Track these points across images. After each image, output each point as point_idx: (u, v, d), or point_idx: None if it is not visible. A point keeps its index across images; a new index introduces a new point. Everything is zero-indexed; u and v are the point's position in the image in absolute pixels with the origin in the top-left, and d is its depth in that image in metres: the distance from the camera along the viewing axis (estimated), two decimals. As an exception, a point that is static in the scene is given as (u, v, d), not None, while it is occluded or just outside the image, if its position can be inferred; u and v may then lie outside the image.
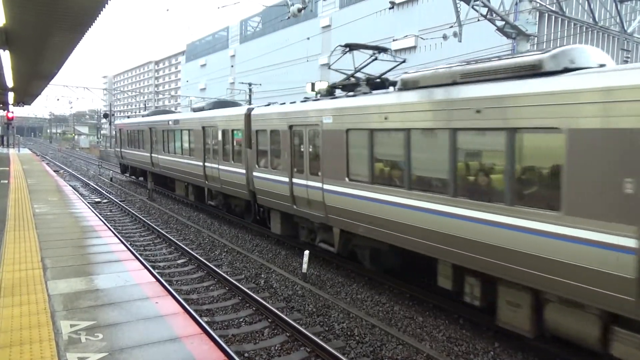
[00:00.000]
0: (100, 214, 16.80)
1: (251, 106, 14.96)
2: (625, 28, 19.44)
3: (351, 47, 11.66)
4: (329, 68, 12.13)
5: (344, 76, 11.65)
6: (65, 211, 11.51)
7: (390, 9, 17.52)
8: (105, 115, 67.17)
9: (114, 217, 18.37)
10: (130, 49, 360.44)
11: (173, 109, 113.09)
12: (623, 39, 20.43)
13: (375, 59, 11.54)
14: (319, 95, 11.90)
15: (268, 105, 13.93)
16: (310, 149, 11.16)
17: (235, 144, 15.23)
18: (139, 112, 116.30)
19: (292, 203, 11.99)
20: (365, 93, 10.18)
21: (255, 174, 13.80)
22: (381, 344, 7.61)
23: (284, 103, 12.80)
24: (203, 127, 17.36)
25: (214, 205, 18.22)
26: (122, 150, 30.74)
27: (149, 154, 24.31)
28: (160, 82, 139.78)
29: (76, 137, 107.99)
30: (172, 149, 20.89)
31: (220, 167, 16.12)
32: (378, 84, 10.82)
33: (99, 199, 22.69)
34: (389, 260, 10.21)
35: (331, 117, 10.28)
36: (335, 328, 8.23)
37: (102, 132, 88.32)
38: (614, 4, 19.08)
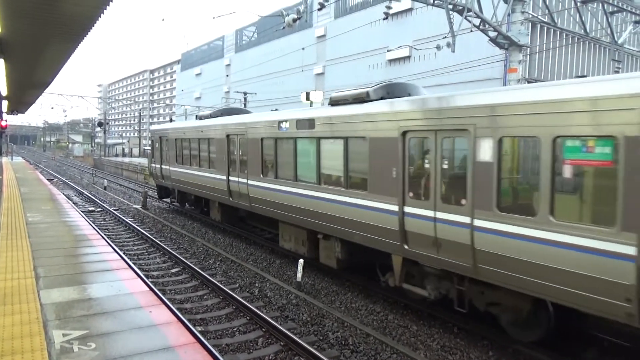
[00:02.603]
0: (93, 223, 16.73)
1: None
2: (616, 39, 19.74)
3: None
4: None
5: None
6: (59, 220, 11.46)
7: (384, 19, 17.68)
8: (100, 124, 67.07)
9: (107, 226, 18.27)
10: (125, 58, 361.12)
11: (167, 118, 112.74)
12: (614, 50, 20.73)
13: None
14: None
15: None
16: None
17: (569, 173, 6.21)
18: (134, 120, 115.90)
19: None
20: None
21: None
22: (375, 353, 7.60)
23: None
24: (440, 132, 7.91)
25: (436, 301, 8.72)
26: (164, 167, 21.05)
27: (224, 178, 15.24)
28: (155, 91, 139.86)
29: (70, 145, 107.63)
30: (289, 174, 11.88)
31: (504, 227, 6.80)
32: None
33: (92, 208, 22.57)
34: None
35: None
36: (330, 337, 8.21)
37: (96, 140, 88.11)
38: (604, 16, 19.39)
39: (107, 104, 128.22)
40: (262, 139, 13.08)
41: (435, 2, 15.21)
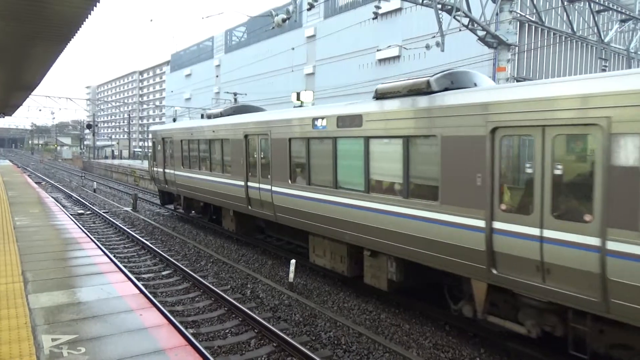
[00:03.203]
0: (83, 226, 16.60)
1: None
2: (603, 38, 19.96)
3: None
4: None
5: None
6: (47, 223, 11.33)
7: (373, 19, 17.72)
8: (89, 126, 66.53)
9: (97, 229, 18.11)
10: (114, 59, 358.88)
11: (158, 119, 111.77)
12: (600, 48, 20.95)
13: None
14: None
15: None
16: None
17: None
18: (124, 122, 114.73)
19: None
20: None
21: None
22: (368, 352, 7.61)
23: None
24: (551, 127, 6.35)
25: None
26: (168, 171, 19.41)
27: (242, 184, 13.54)
28: (144, 93, 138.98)
29: (58, 148, 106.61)
30: (327, 180, 10.25)
31: None
32: None
33: (81, 211, 22.37)
34: None
35: None
36: (322, 337, 8.21)
37: (85, 142, 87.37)
38: (591, 15, 19.60)
39: (95, 105, 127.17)
40: (290, 140, 11.37)
41: (424, 1, 15.26)
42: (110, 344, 4.73)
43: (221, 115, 16.01)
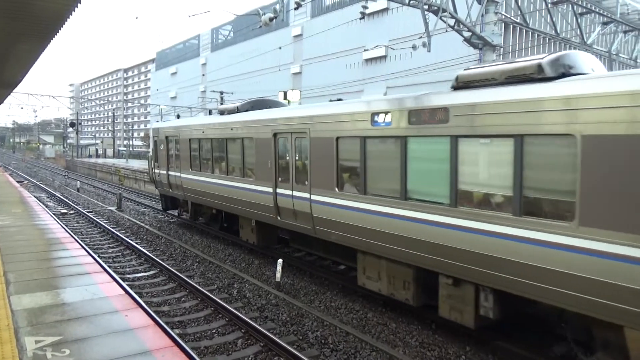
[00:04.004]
0: (66, 226, 16.37)
1: None
2: (585, 39, 20.29)
3: None
4: None
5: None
6: (30, 223, 11.16)
7: (360, 19, 17.75)
8: (72, 124, 65.65)
9: (81, 229, 17.87)
10: (98, 57, 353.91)
11: (142, 117, 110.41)
12: (583, 50, 21.30)
13: None
14: None
15: None
16: None
17: None
18: (108, 120, 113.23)
19: None
20: None
21: None
22: (355, 351, 7.64)
23: None
24: None
25: None
26: (172, 173, 17.54)
27: (269, 190, 11.79)
28: (129, 91, 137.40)
29: (41, 146, 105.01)
30: (391, 188, 8.48)
31: None
32: None
33: (65, 210, 22.05)
34: None
35: None
36: (310, 337, 8.21)
37: (68, 141, 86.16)
38: (574, 17, 19.92)
39: (79, 103, 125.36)
40: (337, 139, 9.58)
41: (411, 2, 15.34)
42: (96, 345, 4.68)
43: (237, 110, 14.01)
